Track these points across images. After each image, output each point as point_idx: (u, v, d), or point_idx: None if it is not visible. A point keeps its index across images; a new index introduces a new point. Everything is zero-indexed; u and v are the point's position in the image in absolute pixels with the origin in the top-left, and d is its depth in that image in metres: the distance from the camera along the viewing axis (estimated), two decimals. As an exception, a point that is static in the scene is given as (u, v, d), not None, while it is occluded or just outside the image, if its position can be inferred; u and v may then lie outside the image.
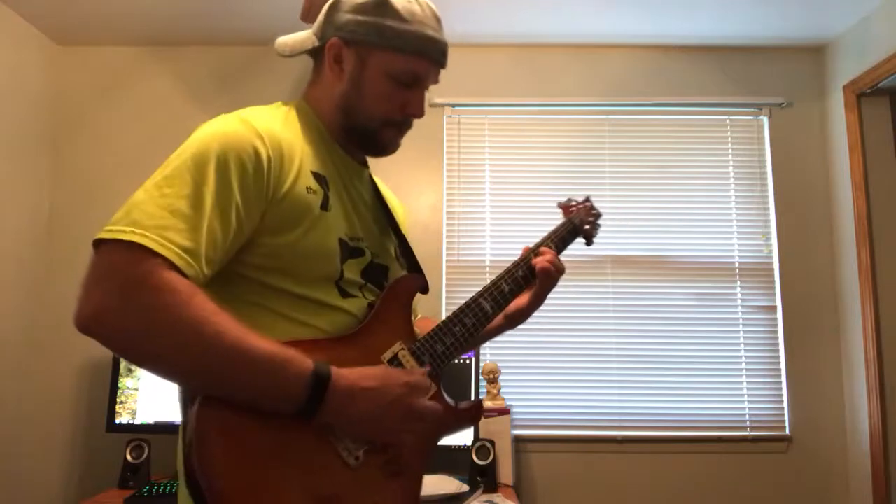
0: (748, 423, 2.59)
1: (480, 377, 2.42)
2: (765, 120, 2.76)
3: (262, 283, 0.93)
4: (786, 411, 2.59)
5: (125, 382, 2.34)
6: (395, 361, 0.98)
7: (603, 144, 2.76)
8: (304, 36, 1.07)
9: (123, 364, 2.35)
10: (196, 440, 0.80)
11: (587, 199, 1.34)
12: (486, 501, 2.05)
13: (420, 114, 1.07)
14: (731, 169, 2.75)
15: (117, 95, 2.77)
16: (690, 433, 2.56)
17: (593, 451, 2.55)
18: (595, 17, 2.58)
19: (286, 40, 1.08)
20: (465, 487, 2.12)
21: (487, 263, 2.66)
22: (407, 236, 1.16)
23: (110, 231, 0.80)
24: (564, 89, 2.78)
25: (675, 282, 2.67)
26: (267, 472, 0.83)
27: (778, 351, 2.62)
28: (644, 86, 2.77)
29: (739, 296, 2.67)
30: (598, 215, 1.34)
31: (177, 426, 2.44)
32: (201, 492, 0.80)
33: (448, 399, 1.03)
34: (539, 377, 2.60)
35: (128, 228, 0.80)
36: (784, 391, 2.60)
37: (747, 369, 2.62)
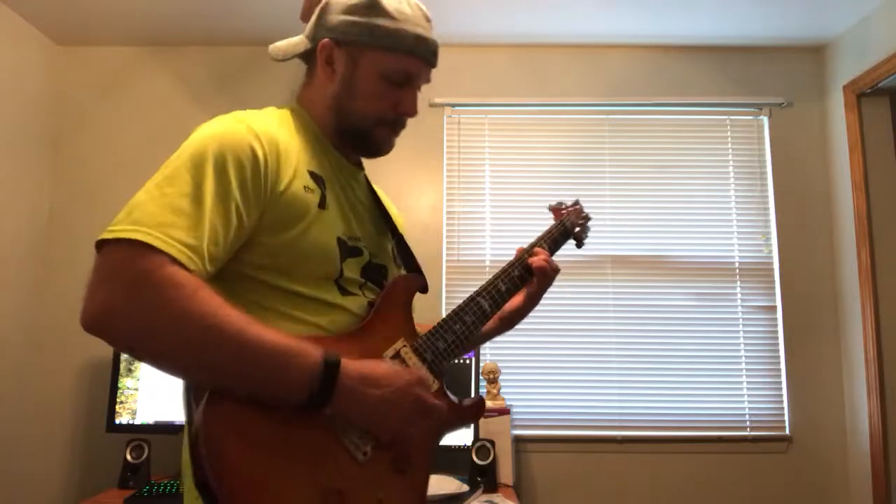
0: (748, 423, 2.59)
1: (480, 377, 2.42)
2: (765, 120, 2.76)
3: (263, 281, 0.94)
4: (786, 411, 2.59)
5: (125, 382, 2.34)
6: (397, 358, 0.99)
7: (603, 144, 2.76)
8: (296, 40, 1.09)
9: (123, 364, 2.35)
10: (203, 436, 0.80)
11: (576, 203, 1.37)
12: (486, 501, 2.05)
13: (412, 112, 1.07)
14: (731, 169, 2.75)
15: (117, 95, 2.77)
16: (690, 433, 2.56)
17: (593, 451, 2.55)
18: (595, 17, 2.58)
19: (279, 45, 1.09)
20: (465, 487, 2.12)
21: (487, 263, 2.66)
22: (405, 237, 1.17)
23: (112, 231, 0.81)
24: (564, 89, 2.78)
25: (675, 282, 2.67)
26: (275, 466, 0.83)
27: (778, 351, 2.62)
28: (644, 86, 2.77)
29: (739, 296, 2.67)
30: (588, 218, 1.36)
31: (177, 426, 2.45)
32: (210, 488, 0.80)
33: (451, 396, 1.03)
34: (539, 377, 2.60)
35: (130, 227, 0.80)
36: (784, 391, 2.60)
37: (747, 369, 2.62)
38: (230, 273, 0.92)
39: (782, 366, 2.61)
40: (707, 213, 2.72)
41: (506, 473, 2.28)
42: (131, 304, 0.78)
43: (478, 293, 1.11)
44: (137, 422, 2.32)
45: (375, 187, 1.18)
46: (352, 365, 0.87)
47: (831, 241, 2.67)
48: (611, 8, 2.51)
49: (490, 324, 1.19)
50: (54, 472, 2.54)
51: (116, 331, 0.79)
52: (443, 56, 3.02)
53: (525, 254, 1.19)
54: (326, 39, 1.03)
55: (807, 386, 2.59)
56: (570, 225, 1.30)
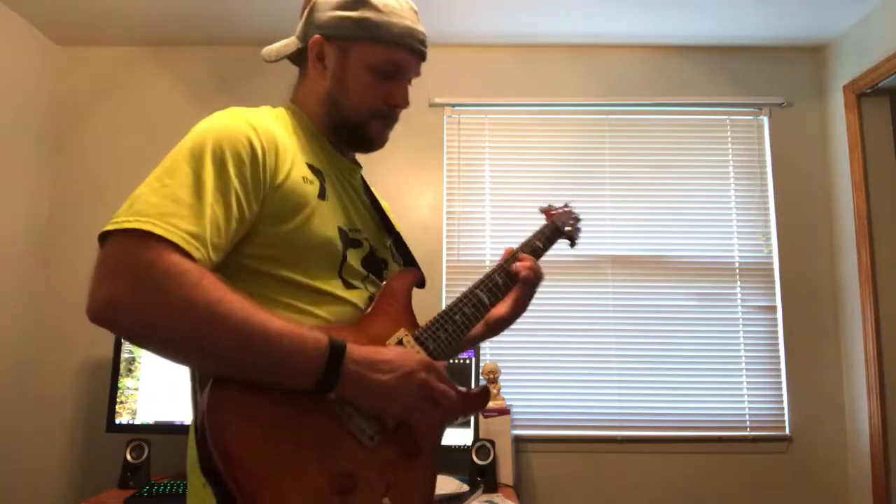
0: (748, 423, 2.59)
1: (480, 377, 2.42)
2: (765, 120, 2.76)
3: (265, 273, 0.94)
4: (786, 411, 2.59)
5: (125, 382, 2.34)
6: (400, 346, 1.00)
7: (603, 144, 2.76)
8: (287, 41, 1.11)
9: (123, 364, 2.35)
10: (209, 420, 0.80)
11: (566, 205, 1.40)
12: (486, 501, 2.05)
13: (404, 104, 1.09)
14: (731, 169, 2.75)
15: (117, 95, 2.77)
16: (690, 433, 2.56)
17: (593, 451, 2.55)
18: (595, 17, 2.58)
19: (271, 47, 1.12)
20: (465, 487, 2.12)
21: (487, 263, 2.66)
22: (402, 235, 1.18)
23: (115, 223, 0.81)
24: (564, 89, 2.78)
25: (675, 282, 2.67)
26: (282, 450, 0.83)
27: (778, 351, 2.62)
28: (644, 86, 2.77)
29: (739, 296, 2.67)
30: (578, 219, 1.39)
31: (177, 426, 2.45)
32: (217, 473, 0.80)
33: (456, 386, 1.04)
34: (539, 377, 2.60)
35: (132, 218, 0.81)
36: (784, 391, 2.60)
37: (747, 369, 2.62)
38: (231, 266, 0.92)
39: (782, 366, 2.61)
40: (707, 213, 2.72)
41: (506, 473, 2.28)
42: (136, 293, 0.78)
43: (476, 286, 1.13)
44: (137, 422, 2.32)
45: (372, 188, 1.19)
46: (357, 349, 0.88)
47: (831, 241, 2.67)
48: (611, 8, 2.51)
49: (477, 329, 1.20)
50: (54, 471, 2.54)
51: (122, 321, 0.79)
52: (443, 56, 3.02)
53: (517, 252, 1.21)
54: (317, 36, 1.05)
55: (807, 386, 2.59)
56: (560, 224, 1.32)
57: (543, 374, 2.60)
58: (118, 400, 2.33)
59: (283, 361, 0.83)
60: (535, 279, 1.18)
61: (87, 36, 2.72)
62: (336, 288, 0.98)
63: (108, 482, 2.38)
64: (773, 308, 2.65)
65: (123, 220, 0.81)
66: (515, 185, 2.72)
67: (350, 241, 1.02)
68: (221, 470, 0.79)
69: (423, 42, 1.09)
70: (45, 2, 2.45)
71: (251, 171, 0.90)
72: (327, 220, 0.99)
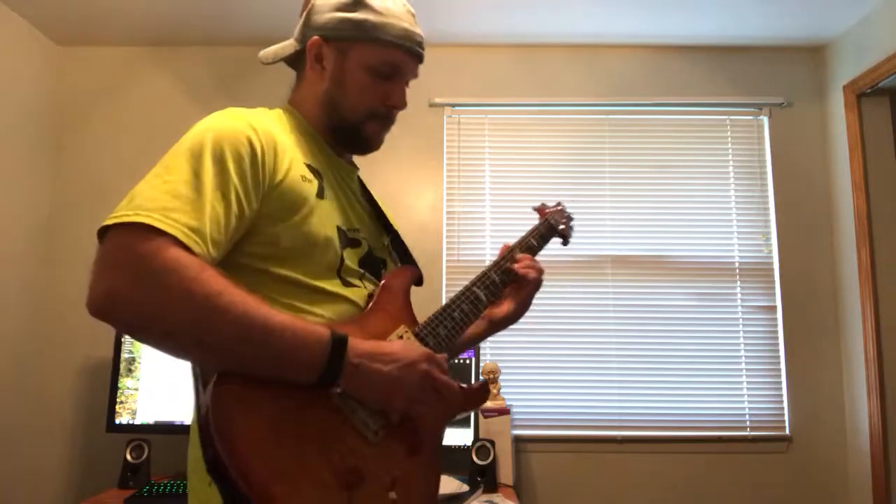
0: (748, 423, 2.59)
1: (480, 377, 2.42)
2: (765, 120, 2.76)
3: (264, 271, 0.94)
4: (786, 411, 2.59)
5: (125, 382, 2.34)
6: None
7: (603, 144, 2.76)
8: (285, 43, 1.12)
9: (123, 364, 2.35)
10: (214, 415, 0.80)
11: (559, 204, 1.42)
12: (486, 501, 2.05)
13: (402, 105, 1.10)
14: (731, 169, 2.75)
15: (117, 95, 2.77)
16: (690, 433, 2.56)
17: (593, 451, 2.55)
18: (595, 17, 2.58)
19: (268, 49, 1.13)
20: (465, 487, 2.12)
21: (487, 263, 2.64)
22: (399, 232, 1.19)
23: (115, 217, 0.81)
24: (564, 89, 2.78)
25: (675, 282, 2.67)
26: (291, 446, 0.83)
27: (778, 351, 2.62)
28: (644, 86, 2.77)
29: (739, 296, 2.67)
30: (571, 217, 1.41)
31: (177, 426, 2.45)
32: (221, 469, 0.79)
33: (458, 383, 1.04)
34: (539, 377, 2.60)
35: (132, 212, 0.81)
36: (784, 391, 2.60)
37: (747, 369, 2.61)
38: (230, 264, 0.92)
39: (782, 366, 2.61)
40: (707, 213, 2.72)
41: (506, 473, 2.28)
42: (136, 286, 0.78)
43: (473, 283, 1.15)
44: (137, 422, 2.32)
45: (369, 189, 1.20)
46: (359, 343, 0.89)
47: (831, 241, 2.67)
48: (611, 8, 2.51)
49: (476, 327, 1.21)
50: (54, 471, 2.54)
51: (122, 314, 0.79)
52: (443, 56, 3.02)
53: (514, 250, 1.23)
54: (315, 37, 1.06)
55: (807, 386, 2.59)
56: (554, 222, 1.34)
57: (543, 374, 2.60)
58: (118, 400, 2.33)
59: (285, 354, 0.83)
60: (537, 276, 1.20)
61: (87, 36, 2.72)
62: (335, 286, 0.98)
63: (108, 482, 2.38)
64: (773, 308, 2.65)
65: (123, 214, 0.81)
66: (515, 185, 2.72)
67: (349, 240, 1.03)
68: (228, 466, 0.79)
69: (420, 44, 1.10)
70: (45, 2, 2.45)
71: (251, 169, 0.91)
72: (326, 220, 0.99)
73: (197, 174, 0.86)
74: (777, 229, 2.68)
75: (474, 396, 1.06)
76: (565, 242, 1.38)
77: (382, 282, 1.06)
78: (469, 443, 2.27)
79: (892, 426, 2.36)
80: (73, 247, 2.66)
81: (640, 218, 2.71)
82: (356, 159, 1.17)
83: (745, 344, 2.63)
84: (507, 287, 1.20)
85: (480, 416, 2.33)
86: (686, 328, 2.64)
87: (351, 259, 1.02)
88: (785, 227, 2.68)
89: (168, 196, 0.83)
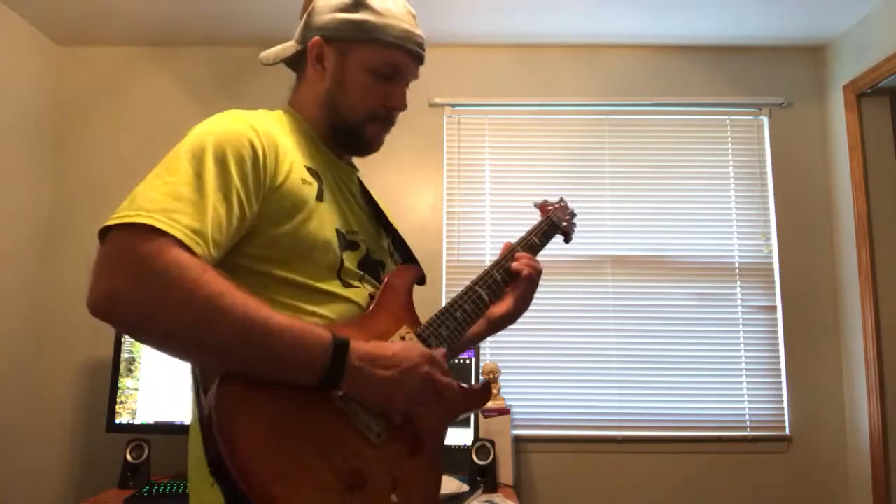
0: (748, 423, 2.59)
1: (480, 377, 2.42)
2: (765, 120, 2.76)
3: (264, 273, 0.94)
4: (786, 411, 2.59)
5: (125, 382, 2.34)
6: None
7: (603, 144, 2.76)
8: (285, 45, 1.12)
9: (123, 364, 2.35)
10: (217, 416, 0.80)
11: (561, 200, 1.41)
12: (486, 501, 2.05)
13: (402, 106, 1.10)
14: (731, 169, 2.75)
15: (117, 95, 2.77)
16: (690, 433, 2.56)
17: (593, 451, 2.55)
18: (595, 17, 2.58)
19: (269, 51, 1.13)
20: (465, 487, 2.12)
21: (487, 263, 2.63)
22: (399, 232, 1.19)
23: (117, 217, 0.81)
24: (564, 89, 2.78)
25: (675, 282, 2.67)
26: (294, 448, 0.83)
27: (778, 351, 2.62)
28: (644, 86, 2.77)
29: (739, 296, 2.67)
30: (574, 214, 1.40)
31: (177, 426, 2.45)
32: (224, 470, 0.79)
33: (459, 384, 1.04)
34: (539, 377, 2.60)
35: (133, 213, 0.81)
36: (784, 391, 2.60)
37: (747, 369, 2.61)
38: (230, 266, 0.92)
39: (782, 366, 2.61)
40: (707, 213, 2.72)
41: (506, 473, 2.28)
42: (137, 286, 0.78)
43: (475, 283, 1.14)
44: (137, 422, 2.32)
45: (369, 190, 1.19)
46: (360, 346, 0.89)
47: (831, 241, 2.67)
48: (611, 8, 2.51)
49: (477, 326, 1.20)
50: (54, 471, 2.54)
51: (123, 314, 0.79)
52: (443, 56, 3.02)
53: (515, 248, 1.23)
54: (316, 38, 1.06)
55: (807, 386, 2.59)
56: (556, 220, 1.33)
57: (543, 374, 2.60)
58: (118, 400, 2.33)
59: (285, 356, 0.84)
60: (535, 276, 1.20)
61: (87, 36, 2.72)
62: (335, 287, 0.99)
63: (108, 482, 2.37)
64: (773, 308, 2.65)
65: (124, 214, 0.81)
66: (515, 185, 2.72)
67: (348, 243, 1.03)
68: (231, 467, 0.79)
69: (421, 45, 1.10)
70: (45, 2, 2.45)
71: (252, 171, 0.91)
72: (325, 222, 0.99)
73: (199, 175, 0.86)
74: (777, 229, 2.68)
75: (476, 397, 1.06)
76: (567, 239, 1.37)
77: (385, 281, 1.05)
78: (469, 443, 2.27)
79: (892, 426, 2.36)
80: (73, 247, 2.66)
81: (640, 218, 2.71)
82: (356, 160, 1.17)
83: (745, 344, 2.63)
84: (508, 286, 1.20)
85: (480, 416, 2.33)
86: (686, 328, 2.64)
87: (350, 261, 1.02)
88: (785, 227, 2.68)
89: (169, 197, 0.83)
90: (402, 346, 0.95)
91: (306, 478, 0.83)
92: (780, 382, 2.61)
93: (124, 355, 2.35)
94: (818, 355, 2.60)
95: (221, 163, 0.88)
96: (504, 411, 2.35)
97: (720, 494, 2.52)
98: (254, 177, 0.91)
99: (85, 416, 2.56)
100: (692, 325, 2.64)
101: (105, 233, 0.81)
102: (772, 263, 2.68)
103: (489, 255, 2.67)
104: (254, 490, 0.79)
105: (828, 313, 2.63)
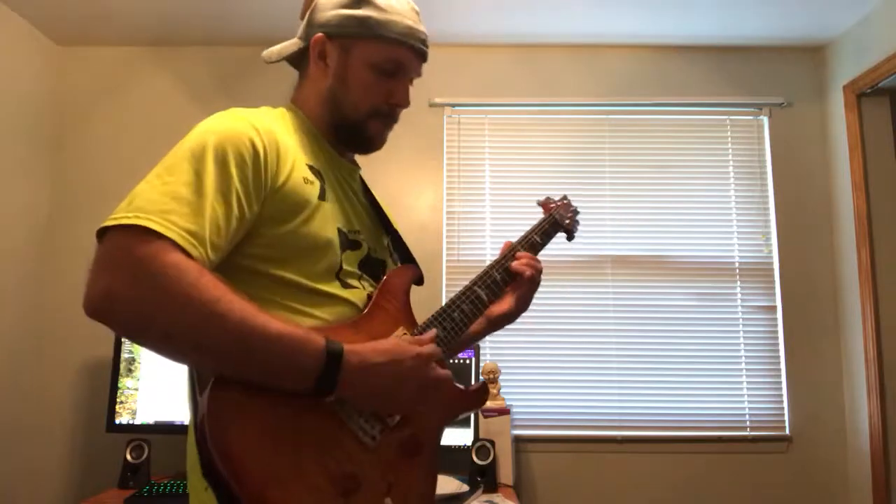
0: (748, 423, 2.59)
1: (480, 377, 2.42)
2: (765, 120, 2.76)
3: (264, 273, 0.94)
4: (786, 411, 2.59)
5: (125, 382, 2.34)
6: None
7: (603, 144, 2.76)
8: (288, 42, 1.12)
9: (123, 364, 2.35)
10: (209, 421, 0.80)
11: (564, 197, 1.40)
12: (486, 501, 2.05)
13: (405, 103, 1.10)
14: (731, 169, 2.75)
15: (117, 95, 2.77)
16: (690, 433, 2.56)
17: (593, 451, 2.55)
18: (595, 18, 2.58)
19: (272, 49, 1.12)
20: (465, 487, 2.12)
21: (487, 263, 2.65)
22: (399, 232, 1.18)
23: (114, 219, 0.81)
24: (564, 89, 2.78)
25: (675, 282, 2.67)
26: (287, 452, 0.83)
27: (778, 351, 2.62)
28: (644, 86, 2.77)
29: (739, 296, 2.67)
30: (577, 212, 1.39)
31: (177, 426, 2.45)
32: (218, 474, 0.79)
33: (456, 384, 1.04)
34: (539, 377, 2.60)
35: (131, 214, 0.81)
36: (784, 391, 2.60)
37: (747, 369, 2.61)
38: (230, 266, 0.92)
39: (782, 366, 2.61)
40: (707, 213, 2.72)
41: (506, 473, 2.28)
42: (133, 289, 0.78)
43: (474, 282, 1.14)
44: (137, 422, 2.32)
45: (371, 189, 1.19)
46: (354, 350, 0.88)
47: (831, 241, 2.67)
48: (610, 8, 2.51)
49: (477, 325, 1.20)
50: (54, 471, 2.54)
51: (119, 315, 0.79)
52: (443, 56, 3.02)
53: (516, 247, 1.22)
54: (319, 34, 1.06)
55: (807, 386, 2.59)
56: (559, 217, 1.32)
57: (543, 374, 2.60)
58: (118, 400, 2.33)
59: (281, 362, 0.83)
60: (536, 276, 1.19)
61: (87, 36, 2.72)
62: (334, 288, 0.98)
63: (108, 482, 2.37)
64: (773, 308, 2.65)
65: (122, 216, 0.81)
66: (515, 185, 2.72)
67: (349, 242, 1.03)
68: (223, 472, 0.79)
69: (424, 42, 1.09)
70: (45, 2, 2.45)
71: (253, 171, 0.90)
72: (327, 222, 0.99)
73: (198, 175, 0.86)
74: (777, 229, 2.68)
75: (474, 397, 1.06)
76: (570, 237, 1.36)
77: (383, 281, 1.05)
78: (469, 443, 2.27)
79: (892, 426, 2.36)
80: (73, 246, 2.66)
81: (640, 218, 2.71)
82: (358, 158, 1.17)
83: (745, 344, 2.63)
84: (508, 285, 1.19)
85: (480, 416, 2.33)
86: (686, 328, 2.64)
87: (351, 261, 1.02)
88: (785, 227, 2.68)
89: (168, 198, 0.83)
90: (395, 347, 0.93)
91: (300, 482, 0.83)
92: (780, 382, 2.61)
93: (124, 355, 2.35)
94: (818, 355, 2.60)
95: (222, 163, 0.88)
96: (504, 411, 2.35)
97: (720, 494, 2.52)
98: (254, 177, 0.90)
99: (85, 416, 2.56)
100: (692, 325, 2.64)
101: (103, 233, 0.81)
102: (772, 263, 2.68)
103: (489, 255, 2.67)
104: (246, 493, 0.78)
105: (828, 313, 2.63)
